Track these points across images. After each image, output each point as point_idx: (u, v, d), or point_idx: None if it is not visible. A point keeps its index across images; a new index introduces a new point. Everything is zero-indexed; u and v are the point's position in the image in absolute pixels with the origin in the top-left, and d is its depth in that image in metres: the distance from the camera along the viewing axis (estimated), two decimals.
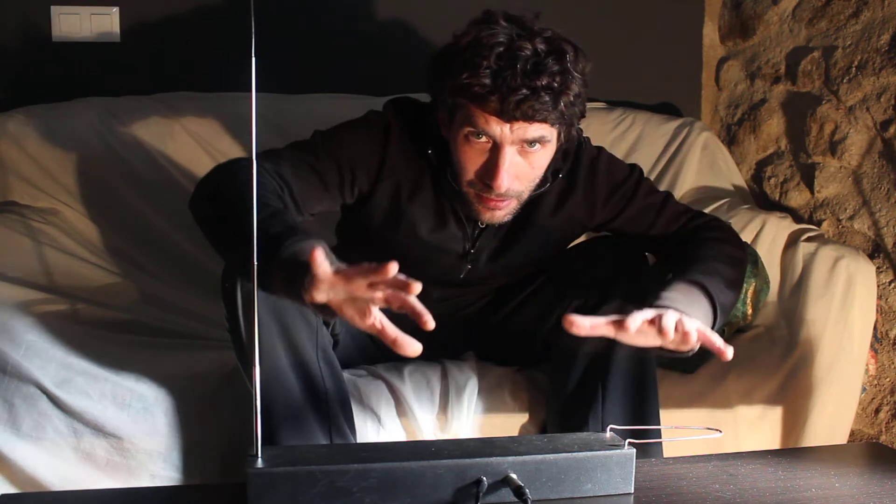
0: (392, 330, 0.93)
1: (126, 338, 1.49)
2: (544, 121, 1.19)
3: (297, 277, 0.95)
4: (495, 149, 1.22)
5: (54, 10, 1.99)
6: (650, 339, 1.08)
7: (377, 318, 0.93)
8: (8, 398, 1.29)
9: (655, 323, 1.06)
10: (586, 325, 1.05)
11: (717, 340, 1.06)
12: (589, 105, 2.20)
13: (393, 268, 0.88)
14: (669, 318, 1.05)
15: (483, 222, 1.33)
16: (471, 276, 1.42)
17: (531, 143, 1.21)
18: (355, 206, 1.36)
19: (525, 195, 1.29)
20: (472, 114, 1.20)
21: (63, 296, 1.57)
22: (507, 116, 1.18)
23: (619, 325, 1.04)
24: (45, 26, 1.99)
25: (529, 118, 1.18)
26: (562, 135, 1.26)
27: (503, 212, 1.28)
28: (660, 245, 1.42)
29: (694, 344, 1.08)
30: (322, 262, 0.91)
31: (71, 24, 2.00)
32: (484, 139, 1.21)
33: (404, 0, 2.17)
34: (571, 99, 1.20)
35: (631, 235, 1.43)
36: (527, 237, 1.38)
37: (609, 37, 2.27)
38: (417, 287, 0.89)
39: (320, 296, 0.93)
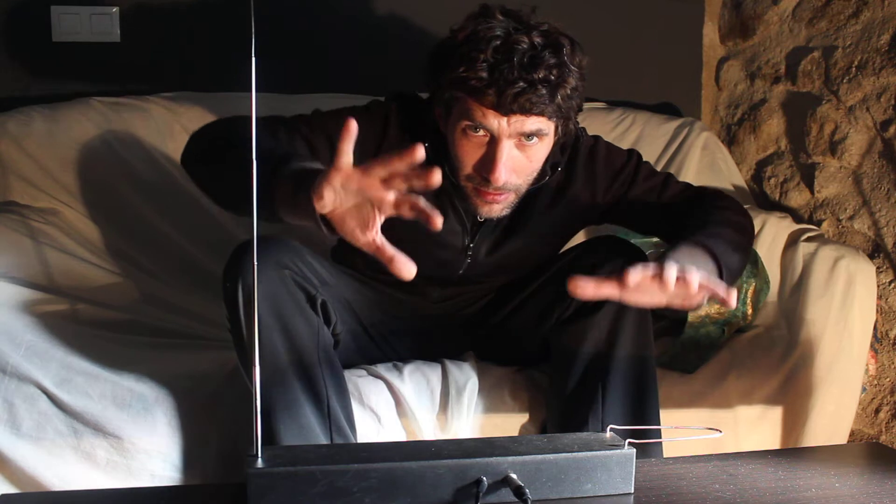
0: (390, 248, 0.94)
1: (126, 338, 1.49)
2: (541, 114, 1.19)
3: (306, 183, 0.95)
4: (493, 142, 1.22)
5: (54, 10, 1.99)
6: (654, 297, 1.06)
7: (377, 234, 0.94)
8: (8, 398, 1.29)
9: (657, 277, 1.03)
10: (590, 287, 1.03)
11: (720, 289, 1.04)
12: (589, 105, 2.22)
13: (420, 151, 0.89)
14: (671, 270, 1.03)
15: (481, 216, 1.33)
16: (470, 271, 1.42)
17: (528, 136, 1.21)
18: None
19: (523, 189, 1.29)
20: (469, 107, 1.20)
21: (63, 296, 1.57)
22: (505, 110, 1.18)
23: (622, 283, 1.02)
24: (45, 26, 1.99)
25: (527, 111, 1.18)
26: (559, 128, 1.26)
27: (501, 205, 1.28)
28: (665, 221, 1.40)
29: (698, 297, 1.05)
30: (352, 138, 0.92)
31: (71, 24, 2.00)
32: (481, 133, 1.22)
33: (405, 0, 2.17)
34: (568, 92, 1.21)
35: (636, 220, 1.42)
36: (526, 231, 1.38)
37: (609, 36, 2.27)
38: (437, 177, 0.90)
39: (329, 196, 0.93)
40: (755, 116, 2.21)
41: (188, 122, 1.91)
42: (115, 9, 2.02)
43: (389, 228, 1.36)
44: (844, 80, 1.91)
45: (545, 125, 1.22)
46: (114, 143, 1.86)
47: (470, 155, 1.24)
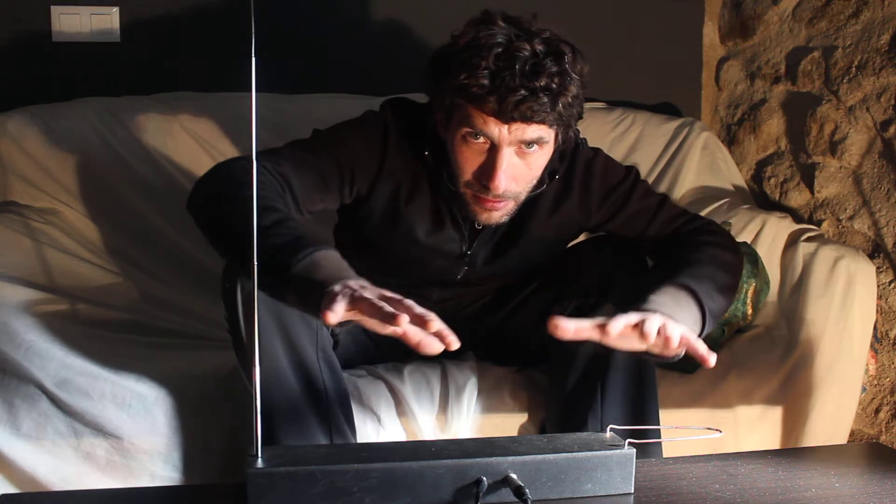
0: (415, 333, 0.93)
1: (126, 338, 1.50)
2: (542, 122, 1.19)
3: (312, 296, 0.96)
4: (493, 150, 1.21)
5: (54, 10, 1.99)
6: (634, 344, 1.07)
7: (400, 326, 0.93)
8: (8, 398, 1.29)
9: (638, 327, 1.04)
10: (570, 329, 1.03)
11: (700, 347, 1.05)
12: (589, 105, 2.22)
13: (404, 320, 0.89)
14: (652, 323, 1.04)
15: (480, 224, 1.32)
16: (468, 277, 1.42)
17: (529, 144, 1.21)
18: (353, 207, 1.36)
19: (522, 196, 1.29)
20: (469, 114, 1.20)
21: (63, 296, 1.57)
22: (506, 117, 1.17)
23: (603, 329, 1.03)
24: (45, 26, 1.99)
25: (528, 119, 1.18)
26: (559, 136, 1.25)
27: (500, 213, 1.28)
28: (655, 247, 1.41)
29: (678, 350, 1.06)
30: (339, 309, 0.92)
31: (71, 24, 2.00)
32: (482, 140, 1.21)
33: (404, 0, 2.17)
34: (570, 100, 1.20)
35: (627, 238, 1.42)
36: (523, 238, 1.38)
37: (609, 37, 2.27)
38: (435, 323, 0.90)
39: (336, 319, 0.94)
40: (755, 116, 2.21)
41: (188, 122, 1.92)
42: (115, 9, 2.02)
43: (387, 235, 1.37)
44: (844, 80, 1.91)
45: (546, 133, 1.21)
46: (114, 143, 1.86)
47: (470, 162, 1.24)
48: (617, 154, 2.09)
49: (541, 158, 1.25)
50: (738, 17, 2.26)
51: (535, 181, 1.28)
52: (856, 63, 1.88)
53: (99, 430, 1.30)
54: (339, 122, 1.35)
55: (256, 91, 0.87)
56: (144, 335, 1.53)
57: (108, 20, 2.02)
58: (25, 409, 1.29)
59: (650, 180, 2.12)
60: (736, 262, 1.33)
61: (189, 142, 1.91)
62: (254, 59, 0.87)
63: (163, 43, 2.06)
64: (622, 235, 1.42)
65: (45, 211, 1.78)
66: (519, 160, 1.23)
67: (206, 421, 1.34)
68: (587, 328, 1.04)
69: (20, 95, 1.95)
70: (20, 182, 1.81)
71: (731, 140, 2.31)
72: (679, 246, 1.34)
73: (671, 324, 1.05)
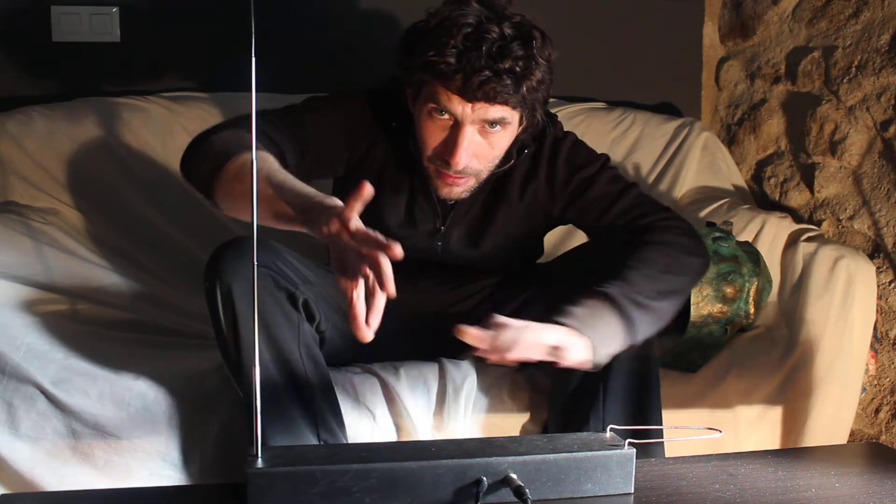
0: (359, 311, 0.95)
1: (126, 337, 1.50)
2: (505, 103, 1.22)
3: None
4: (456, 126, 1.24)
5: (54, 10, 1.99)
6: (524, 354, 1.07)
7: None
8: (7, 398, 1.29)
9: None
10: (470, 334, 1.03)
11: (570, 358, 1.08)
12: (589, 105, 2.22)
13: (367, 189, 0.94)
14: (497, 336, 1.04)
15: (441, 197, 1.35)
16: (446, 257, 1.43)
17: (492, 123, 1.24)
18: (344, 179, 1.41)
19: (484, 174, 1.32)
20: (435, 91, 1.23)
21: (63, 295, 1.57)
22: (469, 96, 1.20)
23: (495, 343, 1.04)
24: (45, 26, 1.99)
25: (491, 99, 1.20)
26: (524, 118, 1.28)
27: (461, 188, 1.31)
28: (607, 237, 1.38)
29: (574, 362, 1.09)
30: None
31: (71, 24, 2.00)
32: (446, 116, 1.24)
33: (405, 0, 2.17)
34: (534, 84, 1.22)
35: (586, 226, 1.41)
36: (496, 218, 1.40)
37: (609, 36, 2.27)
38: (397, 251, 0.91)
39: None
40: (755, 116, 2.21)
41: (188, 122, 1.92)
42: (115, 9, 2.01)
43: (372, 205, 1.37)
44: (844, 80, 1.91)
45: (509, 114, 1.24)
46: (114, 143, 1.86)
47: (433, 137, 1.27)
48: (617, 154, 2.09)
49: (503, 139, 1.28)
50: (738, 17, 2.26)
51: (496, 160, 1.31)
52: (856, 63, 1.88)
53: (98, 429, 1.30)
54: (329, 95, 1.40)
55: (256, 91, 0.88)
56: (144, 334, 1.53)
57: (108, 20, 2.02)
58: (24, 410, 1.29)
59: (650, 180, 2.12)
60: (689, 264, 1.29)
61: (189, 142, 1.91)
62: (254, 59, 0.88)
63: (163, 43, 2.05)
64: (581, 224, 1.42)
65: (45, 211, 1.78)
66: (481, 139, 1.26)
67: (206, 420, 1.34)
68: (483, 338, 1.03)
69: (20, 95, 1.95)
70: (20, 182, 1.81)
71: (731, 140, 2.31)
72: (624, 242, 1.31)
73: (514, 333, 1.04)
